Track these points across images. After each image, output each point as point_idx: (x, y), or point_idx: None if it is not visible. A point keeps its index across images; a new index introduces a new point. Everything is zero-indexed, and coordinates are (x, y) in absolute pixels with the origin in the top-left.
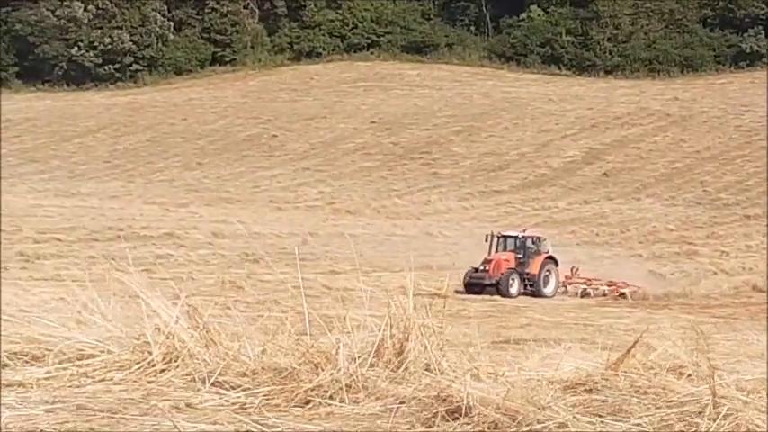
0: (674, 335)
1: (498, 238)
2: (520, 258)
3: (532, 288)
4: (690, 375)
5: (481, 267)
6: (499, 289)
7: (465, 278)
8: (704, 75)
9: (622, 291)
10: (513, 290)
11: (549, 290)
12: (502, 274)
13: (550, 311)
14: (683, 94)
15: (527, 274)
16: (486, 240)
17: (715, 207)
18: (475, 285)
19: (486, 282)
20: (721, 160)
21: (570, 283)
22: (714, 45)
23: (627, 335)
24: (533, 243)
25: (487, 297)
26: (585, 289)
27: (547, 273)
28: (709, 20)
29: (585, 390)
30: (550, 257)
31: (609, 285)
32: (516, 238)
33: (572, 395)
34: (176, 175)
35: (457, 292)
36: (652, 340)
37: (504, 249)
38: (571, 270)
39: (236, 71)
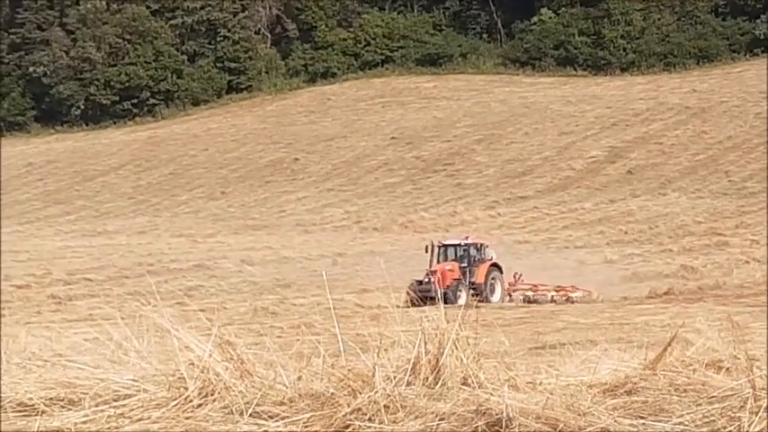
0: (710, 328)
1: (439, 247)
2: (464, 267)
3: (479, 297)
4: (728, 369)
5: (426, 279)
6: (446, 300)
7: (409, 291)
8: (720, 64)
9: (571, 295)
10: (461, 301)
11: (495, 298)
12: (448, 285)
13: (585, 313)
14: (701, 86)
15: (472, 283)
16: (427, 251)
17: (742, 196)
18: (421, 299)
19: (433, 294)
20: (744, 149)
21: (515, 290)
22: (727, 34)
23: (663, 331)
24: (477, 250)
25: (520, 303)
26: (532, 295)
27: (492, 281)
28: (720, 9)
29: (625, 392)
30: (495, 265)
31: (557, 291)
32: (458, 246)
33: (612, 398)
34: (201, 206)
35: (399, 307)
36: (688, 335)
37: (446, 259)
38: (514, 276)
39: (253, 97)
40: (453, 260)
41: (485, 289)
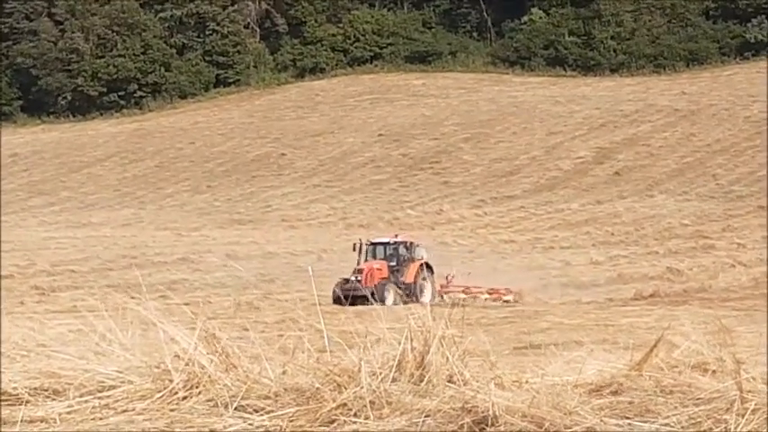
0: (695, 331)
1: (368, 245)
2: (393, 266)
3: (408, 298)
4: (714, 371)
5: (353, 278)
6: (373, 300)
7: (335, 289)
8: (710, 67)
9: (505, 298)
10: (389, 301)
11: (425, 299)
12: (376, 284)
13: (570, 314)
14: (690, 88)
15: (402, 283)
16: (354, 249)
17: (729, 200)
18: (346, 297)
19: (360, 293)
20: (732, 152)
21: (447, 292)
22: (718, 37)
23: (648, 333)
24: (406, 249)
25: (504, 302)
26: (464, 298)
27: (422, 281)
28: (711, 12)
29: (611, 392)
30: (425, 264)
31: (490, 293)
32: (387, 244)
33: (597, 398)
34: (187, 200)
35: (324, 304)
36: (674, 337)
37: (375, 257)
38: (446, 278)
39: (241, 92)
40: (382, 259)
41: (414, 289)
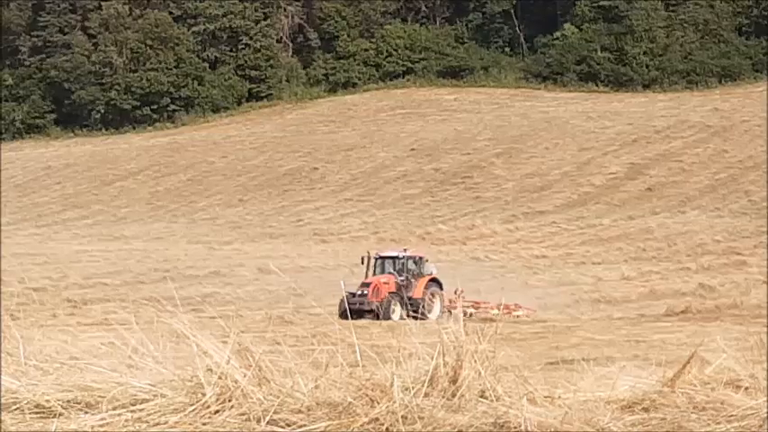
0: (728, 347)
1: (376, 259)
2: (401, 281)
3: (416, 313)
4: (747, 388)
5: (359, 292)
6: (379, 315)
7: (341, 304)
8: (743, 83)
9: (515, 314)
10: (395, 316)
11: (433, 315)
12: (382, 299)
13: (601, 330)
14: (723, 105)
15: (409, 298)
16: (363, 262)
17: (761, 216)
18: (353, 312)
19: (366, 308)
20: (765, 168)
21: (455, 307)
22: (751, 53)
23: (680, 350)
24: (415, 264)
25: (537, 318)
26: (473, 313)
27: (431, 296)
28: (744, 28)
29: (643, 408)
30: (434, 279)
31: (499, 309)
32: (396, 258)
33: (630, 415)
34: (219, 213)
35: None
36: (706, 354)
37: (383, 271)
38: (455, 293)
39: (273, 106)
40: (391, 273)
41: (422, 304)
